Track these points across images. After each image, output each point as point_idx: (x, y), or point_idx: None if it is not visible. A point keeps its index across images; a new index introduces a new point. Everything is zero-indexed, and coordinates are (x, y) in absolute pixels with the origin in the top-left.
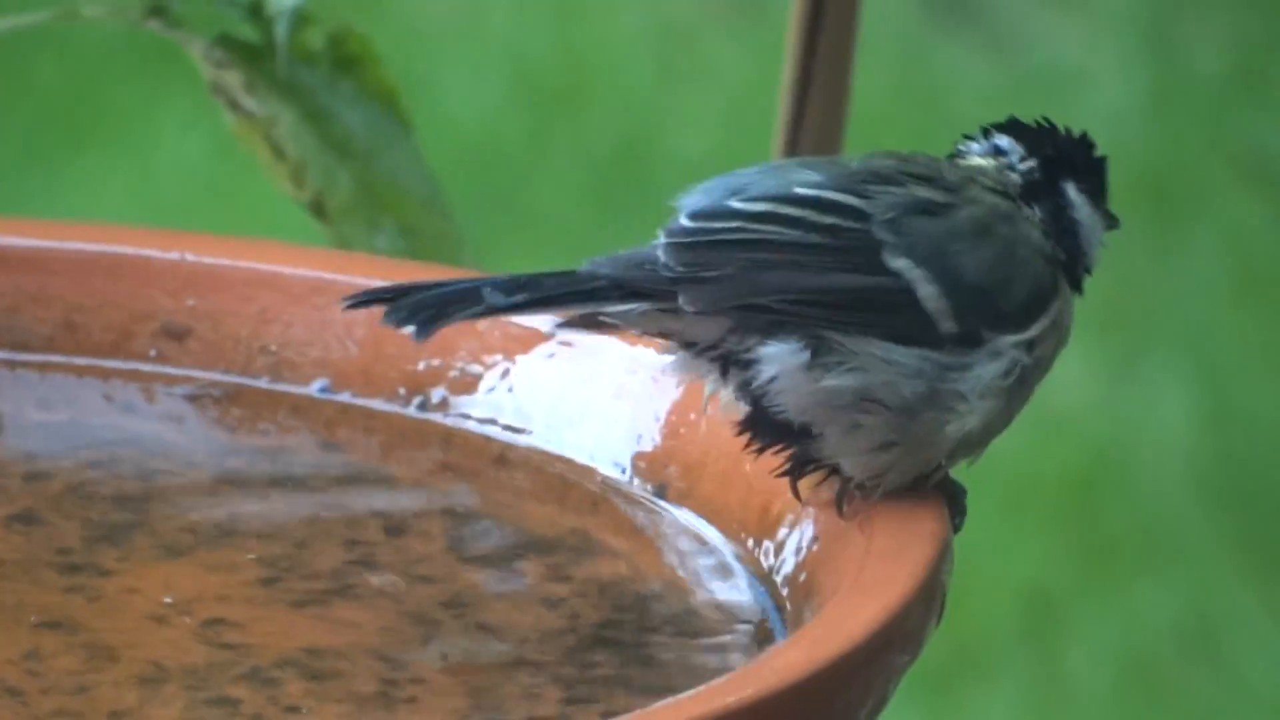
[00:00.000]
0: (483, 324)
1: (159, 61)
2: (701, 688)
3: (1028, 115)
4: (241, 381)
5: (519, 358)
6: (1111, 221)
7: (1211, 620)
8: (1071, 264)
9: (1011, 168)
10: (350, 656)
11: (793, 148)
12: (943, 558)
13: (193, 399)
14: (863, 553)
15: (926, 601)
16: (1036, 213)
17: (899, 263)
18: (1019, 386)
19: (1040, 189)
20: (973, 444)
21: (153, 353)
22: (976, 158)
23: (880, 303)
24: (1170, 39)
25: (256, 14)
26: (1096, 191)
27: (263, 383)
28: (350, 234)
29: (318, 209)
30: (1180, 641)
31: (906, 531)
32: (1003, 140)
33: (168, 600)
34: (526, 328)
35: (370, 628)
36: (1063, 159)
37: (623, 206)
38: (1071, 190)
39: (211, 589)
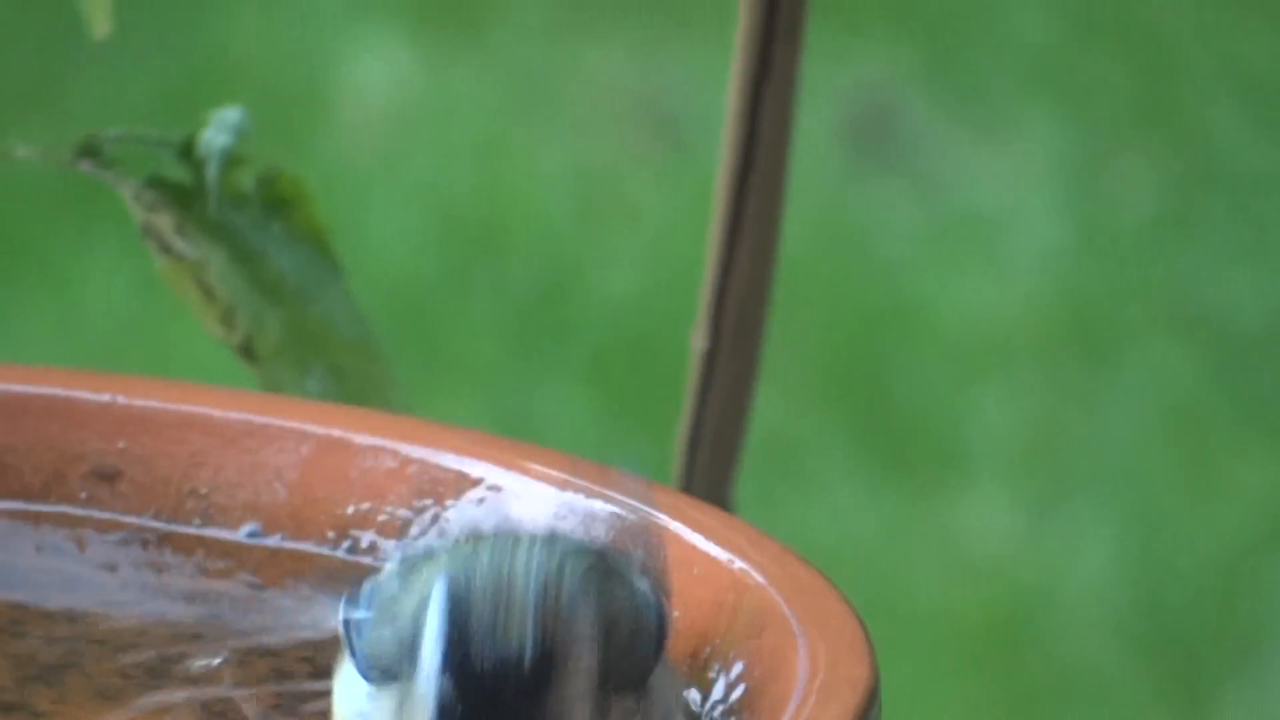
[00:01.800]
0: (412, 468)
1: (85, 201)
2: None
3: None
4: (172, 525)
5: (449, 502)
6: None
7: None
8: None
9: None
10: None
11: (721, 291)
12: (869, 708)
13: (124, 543)
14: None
15: None
16: None
17: None
18: None
19: None
20: None
21: (84, 495)
22: None
23: None
24: (1098, 181)
25: (187, 155)
26: None
27: (193, 526)
28: (280, 377)
29: (247, 351)
30: None
31: (833, 682)
32: None
33: None
34: (457, 471)
35: None
36: None
37: (545, 349)
38: None
39: None
